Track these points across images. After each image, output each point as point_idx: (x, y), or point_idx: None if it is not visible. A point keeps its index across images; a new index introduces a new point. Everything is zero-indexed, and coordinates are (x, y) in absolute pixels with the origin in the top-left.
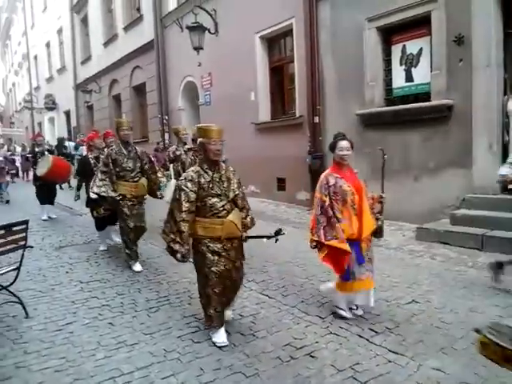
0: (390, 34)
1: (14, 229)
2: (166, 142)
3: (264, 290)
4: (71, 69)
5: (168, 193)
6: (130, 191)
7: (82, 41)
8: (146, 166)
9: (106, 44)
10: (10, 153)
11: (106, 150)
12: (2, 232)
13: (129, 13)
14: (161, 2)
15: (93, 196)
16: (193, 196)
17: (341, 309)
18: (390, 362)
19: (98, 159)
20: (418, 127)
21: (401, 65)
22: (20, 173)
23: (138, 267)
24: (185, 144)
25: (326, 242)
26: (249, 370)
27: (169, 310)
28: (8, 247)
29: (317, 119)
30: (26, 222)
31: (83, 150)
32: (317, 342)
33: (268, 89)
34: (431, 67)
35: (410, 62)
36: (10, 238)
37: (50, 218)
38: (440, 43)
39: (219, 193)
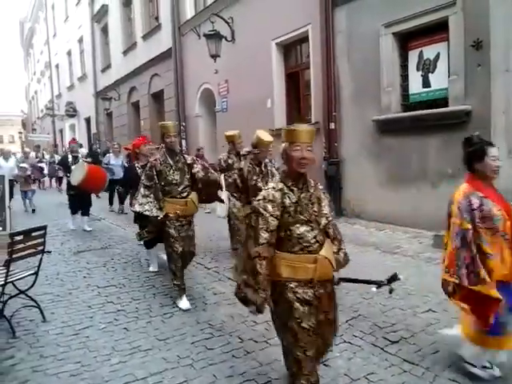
0: (406, 40)
1: (33, 234)
2: (184, 148)
3: None
4: (91, 77)
5: (219, 208)
6: (179, 209)
7: (102, 49)
8: (196, 170)
9: (125, 52)
10: (37, 159)
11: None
12: (21, 237)
13: (147, 22)
14: (179, 10)
15: (134, 212)
16: (274, 223)
17: (474, 365)
18: (404, 371)
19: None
20: (435, 133)
21: (418, 70)
22: (47, 180)
23: (185, 304)
24: (237, 153)
25: (470, 287)
26: (261, 377)
27: (183, 316)
28: (27, 252)
29: (333, 125)
30: (44, 228)
31: (110, 158)
32: (331, 351)
33: (284, 95)
34: (449, 72)
35: (427, 67)
36: (28, 244)
37: (84, 230)
38: (458, 48)
39: (309, 219)
